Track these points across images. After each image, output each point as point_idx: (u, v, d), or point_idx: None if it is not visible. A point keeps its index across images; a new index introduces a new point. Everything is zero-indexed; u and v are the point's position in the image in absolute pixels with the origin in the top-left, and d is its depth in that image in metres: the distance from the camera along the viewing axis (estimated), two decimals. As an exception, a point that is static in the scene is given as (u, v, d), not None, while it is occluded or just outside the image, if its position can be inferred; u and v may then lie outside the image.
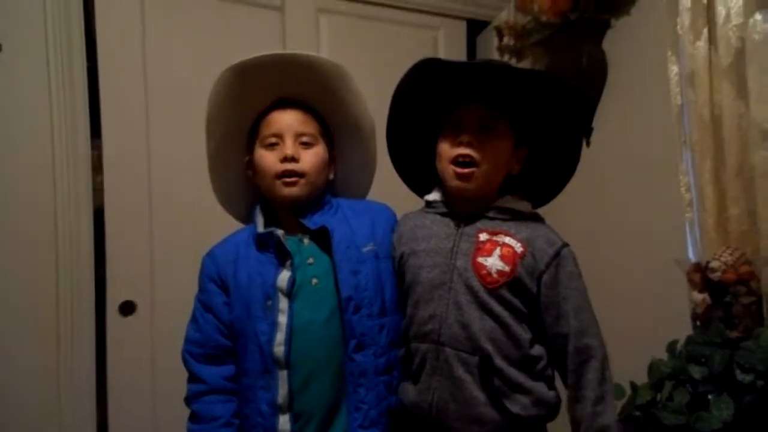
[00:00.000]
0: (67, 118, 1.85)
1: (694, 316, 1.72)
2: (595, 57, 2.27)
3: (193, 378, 1.27)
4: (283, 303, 1.21)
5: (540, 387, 1.10)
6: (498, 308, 1.09)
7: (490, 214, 1.17)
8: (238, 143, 1.33)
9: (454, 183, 1.15)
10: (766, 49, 1.72)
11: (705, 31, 1.84)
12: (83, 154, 1.88)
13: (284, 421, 1.19)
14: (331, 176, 1.32)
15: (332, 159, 1.33)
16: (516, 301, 1.10)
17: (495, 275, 1.10)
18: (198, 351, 1.27)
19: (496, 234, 1.14)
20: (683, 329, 1.86)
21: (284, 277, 1.22)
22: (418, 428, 1.16)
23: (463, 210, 1.19)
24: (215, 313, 1.26)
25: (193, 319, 1.29)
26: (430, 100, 1.21)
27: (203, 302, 1.28)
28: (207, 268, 1.30)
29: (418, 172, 1.31)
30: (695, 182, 1.89)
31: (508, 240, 1.12)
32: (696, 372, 1.62)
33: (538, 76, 1.11)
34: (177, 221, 1.98)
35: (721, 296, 1.66)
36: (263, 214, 1.31)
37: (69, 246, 1.83)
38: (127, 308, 1.92)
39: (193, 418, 1.25)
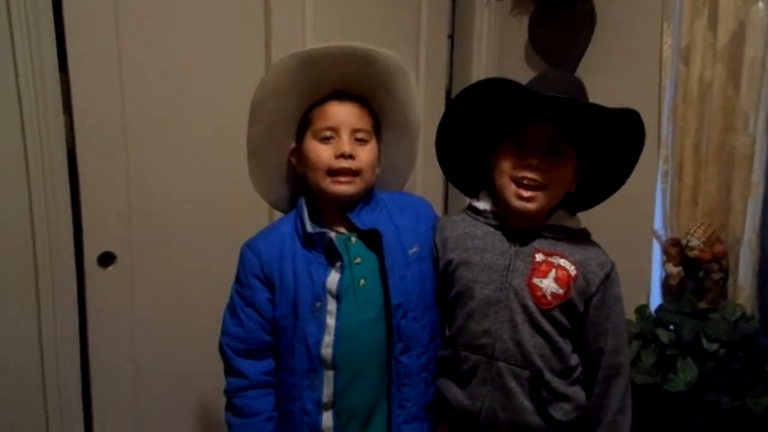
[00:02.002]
0: (32, 49, 1.61)
1: (668, 287, 1.88)
2: (584, 10, 2.24)
3: (233, 372, 1.26)
4: (332, 305, 1.21)
5: (578, 393, 1.19)
6: (548, 327, 1.14)
7: (545, 233, 1.19)
8: (285, 131, 1.26)
9: (517, 204, 1.15)
10: (764, 38, 1.77)
11: (706, 10, 1.86)
12: (51, 86, 1.67)
13: (327, 417, 1.23)
14: (378, 171, 1.28)
15: (379, 153, 1.28)
16: (564, 320, 1.15)
17: (549, 297, 1.14)
18: (239, 346, 1.25)
19: (551, 255, 1.16)
20: (645, 295, 2.05)
21: (334, 279, 1.21)
22: (461, 423, 1.23)
23: (518, 226, 1.20)
24: (258, 309, 1.24)
25: (233, 313, 1.26)
26: (495, 110, 1.18)
27: (245, 297, 1.25)
28: (249, 263, 1.25)
29: (462, 170, 1.30)
30: (674, 155, 1.99)
31: (563, 262, 1.15)
32: (664, 336, 1.81)
33: (622, 114, 1.09)
34: (154, 167, 1.85)
35: (695, 271, 1.83)
36: (306, 206, 1.26)
37: (43, 190, 1.67)
38: (106, 259, 1.81)
39: (235, 411, 1.26)
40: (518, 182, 1.15)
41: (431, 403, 1.28)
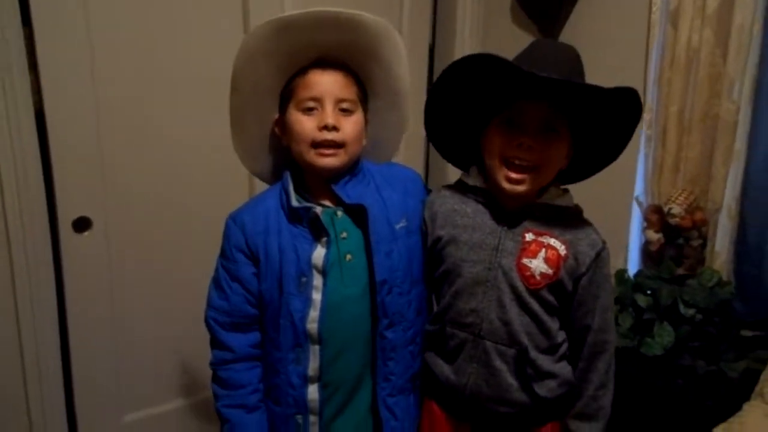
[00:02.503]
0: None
1: (647, 252, 1.90)
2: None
3: (219, 345, 1.25)
4: (318, 280, 1.19)
5: (564, 369, 1.19)
6: (536, 306, 1.14)
7: (536, 212, 1.17)
8: (267, 101, 1.21)
9: (507, 186, 1.13)
10: (753, 4, 1.75)
11: (698, -28, 1.82)
12: (14, 41, 1.58)
13: (313, 390, 1.22)
14: (365, 142, 1.24)
15: (366, 124, 1.24)
16: (552, 299, 1.14)
17: (538, 277, 1.13)
18: (225, 319, 1.23)
19: (541, 234, 1.15)
20: (623, 259, 2.06)
21: (319, 254, 1.19)
22: (447, 397, 1.24)
23: (508, 204, 1.17)
24: (243, 283, 1.22)
25: (218, 286, 1.24)
26: (486, 85, 1.14)
27: (230, 271, 1.23)
28: (234, 236, 1.22)
29: (452, 143, 1.27)
30: (657, 120, 1.98)
31: (552, 242, 1.14)
32: (642, 300, 1.84)
33: (621, 93, 1.05)
34: (127, 127, 1.79)
35: (675, 237, 1.85)
36: (292, 179, 1.23)
37: (11, 153, 1.61)
38: (82, 224, 1.76)
39: (221, 383, 1.25)
40: (509, 162, 1.12)
41: (417, 375, 1.28)
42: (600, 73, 2.10)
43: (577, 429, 1.19)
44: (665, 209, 1.82)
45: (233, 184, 2.00)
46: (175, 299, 1.95)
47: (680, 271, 1.84)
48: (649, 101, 2.01)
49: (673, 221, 1.81)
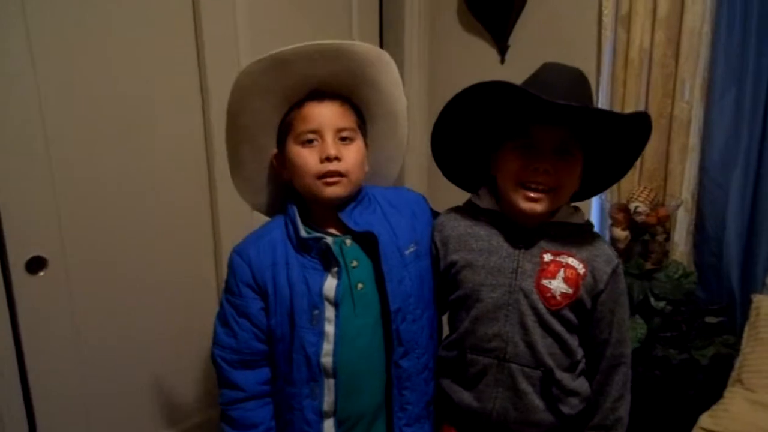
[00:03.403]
0: None
1: (615, 250, 1.95)
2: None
3: (228, 384, 1.20)
4: (330, 312, 1.15)
5: (583, 385, 1.20)
6: (558, 326, 1.14)
7: (552, 231, 1.17)
8: (264, 136, 1.18)
9: (525, 206, 1.12)
10: (702, 7, 1.84)
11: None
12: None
13: (329, 425, 1.19)
14: (367, 168, 1.21)
15: (366, 149, 1.21)
16: (572, 317, 1.15)
17: (559, 297, 1.13)
18: (233, 357, 1.19)
19: (559, 254, 1.15)
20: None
21: (331, 285, 1.15)
22: (470, 423, 1.22)
23: (522, 225, 1.17)
24: (252, 319, 1.18)
25: (224, 323, 1.20)
26: (497, 110, 1.13)
27: (237, 307, 1.18)
28: (240, 272, 1.18)
29: (459, 165, 1.26)
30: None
31: (571, 261, 1.14)
32: (613, 297, 1.88)
33: (635, 118, 1.08)
34: (78, 156, 1.65)
35: (640, 234, 1.92)
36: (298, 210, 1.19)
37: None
38: (36, 264, 1.61)
39: (232, 423, 1.20)
40: (525, 186, 1.12)
41: (431, 401, 1.26)
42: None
43: None
44: (631, 208, 1.89)
45: (197, 212, 1.93)
46: (140, 337, 1.84)
47: (648, 265, 1.91)
48: (603, 102, 2.07)
49: (639, 219, 1.88)
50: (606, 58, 2.06)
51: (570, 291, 1.13)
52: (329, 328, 1.15)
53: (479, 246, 1.18)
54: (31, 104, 1.54)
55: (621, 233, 1.92)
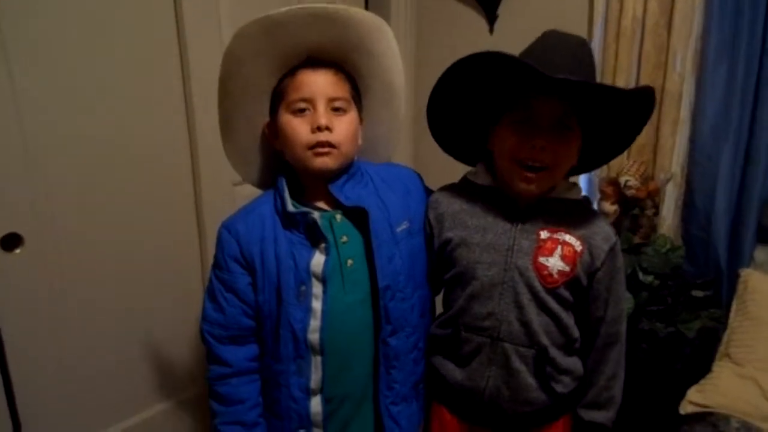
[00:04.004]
0: None
1: (604, 224, 1.94)
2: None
3: (215, 359, 1.18)
4: (318, 288, 1.12)
5: (577, 364, 1.19)
6: (554, 304, 1.12)
7: (549, 207, 1.14)
8: (257, 104, 1.14)
9: (520, 186, 1.09)
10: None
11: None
12: None
13: (316, 403, 1.17)
14: (360, 141, 1.17)
15: (360, 122, 1.17)
16: (568, 295, 1.12)
17: (556, 275, 1.10)
18: (221, 332, 1.16)
19: (556, 231, 1.12)
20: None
21: (319, 261, 1.12)
22: (461, 402, 1.20)
23: (520, 201, 1.14)
24: (240, 295, 1.15)
25: (212, 298, 1.17)
26: (494, 81, 1.09)
27: (224, 282, 1.15)
28: (228, 246, 1.15)
29: (456, 138, 1.22)
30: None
31: (568, 238, 1.11)
32: (601, 271, 1.88)
33: (639, 93, 1.04)
34: (52, 128, 1.58)
35: (630, 208, 1.90)
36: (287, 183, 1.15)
37: None
38: (11, 241, 1.55)
39: (218, 399, 1.18)
40: (522, 163, 1.08)
41: (419, 381, 1.25)
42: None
43: (590, 418, 1.20)
44: (621, 182, 1.87)
45: (177, 185, 1.87)
46: (123, 314, 1.80)
47: (636, 239, 1.91)
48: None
49: (629, 193, 1.86)
50: (598, 28, 2.02)
51: (567, 269, 1.11)
52: (316, 305, 1.12)
53: (474, 223, 1.15)
54: (3, 83, 1.47)
55: (610, 207, 1.91)
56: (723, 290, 1.91)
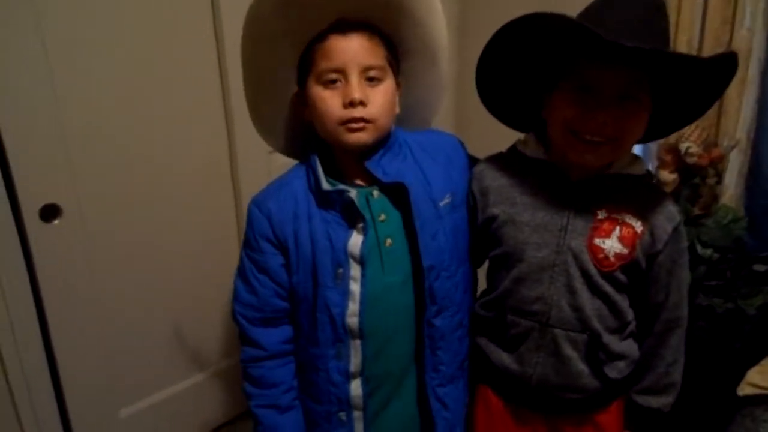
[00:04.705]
0: None
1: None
2: None
3: (249, 341, 1.14)
4: (356, 270, 1.06)
5: (632, 347, 1.11)
6: (608, 288, 1.03)
7: (607, 183, 1.04)
8: (283, 74, 1.05)
9: (578, 158, 0.99)
10: None
11: None
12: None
13: (356, 386, 1.13)
14: (398, 110, 1.08)
15: (398, 88, 1.08)
16: (624, 278, 1.04)
17: (612, 258, 1.01)
18: (254, 314, 1.12)
19: (615, 211, 1.02)
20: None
21: (356, 241, 1.06)
22: (508, 386, 1.14)
23: (575, 176, 1.04)
24: (272, 275, 1.10)
25: (244, 279, 1.12)
26: (552, 44, 0.98)
27: (257, 262, 1.10)
28: (259, 224, 1.09)
29: (506, 103, 1.13)
30: (664, 50, 1.87)
31: (627, 218, 1.02)
32: (657, 244, 1.77)
33: (720, 61, 0.91)
34: (89, 101, 1.55)
35: (690, 177, 1.78)
36: (320, 158, 1.08)
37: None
38: (50, 212, 1.55)
39: (253, 381, 1.15)
40: (580, 136, 0.97)
41: (465, 360, 1.19)
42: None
43: (647, 404, 1.12)
44: (681, 148, 1.74)
45: (214, 155, 1.84)
46: (160, 284, 1.79)
47: (695, 210, 1.78)
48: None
49: (691, 160, 1.73)
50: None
51: (625, 251, 1.02)
52: (354, 287, 1.06)
53: (524, 200, 1.07)
54: (38, 52, 1.43)
55: (669, 176, 1.78)
56: (789, 264, 1.77)
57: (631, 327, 1.11)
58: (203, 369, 1.99)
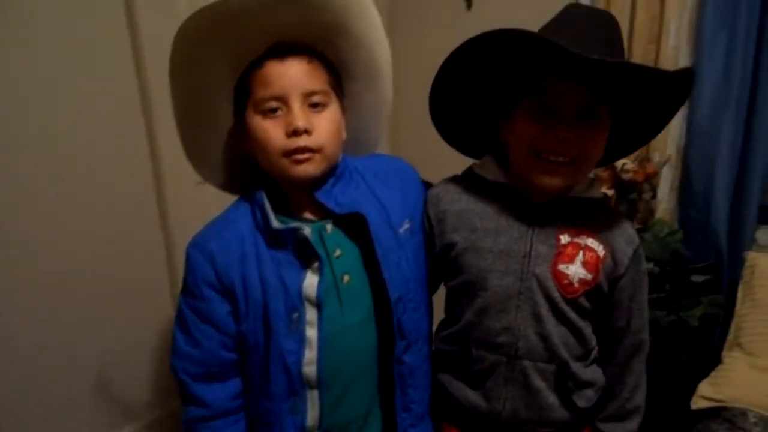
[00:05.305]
0: None
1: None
2: None
3: (192, 400, 1.01)
4: (312, 313, 0.97)
5: (597, 374, 1.07)
6: (572, 315, 1.00)
7: (567, 207, 1.00)
8: (217, 105, 0.96)
9: (539, 181, 0.94)
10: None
11: None
12: None
13: None
14: (344, 135, 1.00)
15: (343, 112, 1.00)
16: (587, 304, 1.01)
17: (576, 284, 0.98)
18: (197, 369, 1.00)
19: (577, 235, 0.99)
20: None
21: (311, 282, 0.96)
22: (475, 424, 1.07)
23: (536, 199, 1.00)
24: (217, 325, 0.98)
25: (185, 330, 1.00)
26: (508, 62, 0.94)
27: (199, 311, 0.98)
28: (201, 269, 0.97)
29: (459, 127, 1.08)
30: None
31: (590, 242, 0.98)
32: (599, 259, 1.77)
33: (679, 76, 0.90)
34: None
35: (627, 192, 1.79)
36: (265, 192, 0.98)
37: None
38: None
39: None
40: (541, 157, 0.93)
41: (431, 395, 1.11)
42: (523, 25, 1.98)
43: (612, 430, 1.08)
44: (617, 165, 1.75)
45: (138, 185, 1.66)
46: (83, 329, 1.60)
47: (634, 225, 1.80)
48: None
49: (626, 177, 1.75)
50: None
51: (589, 277, 0.98)
52: (311, 333, 0.97)
53: (485, 225, 1.01)
54: None
55: (606, 192, 1.79)
56: (724, 274, 1.82)
57: (595, 353, 1.07)
58: (138, 419, 1.80)
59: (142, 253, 1.69)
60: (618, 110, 0.96)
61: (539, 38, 0.86)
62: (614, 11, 1.78)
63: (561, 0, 1.88)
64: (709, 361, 1.61)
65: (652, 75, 0.91)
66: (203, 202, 1.42)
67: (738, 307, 1.62)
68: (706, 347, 1.77)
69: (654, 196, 1.83)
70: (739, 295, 1.64)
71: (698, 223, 1.85)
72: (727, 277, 1.82)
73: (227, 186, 1.06)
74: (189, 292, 0.99)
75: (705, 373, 1.57)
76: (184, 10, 1.08)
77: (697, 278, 1.81)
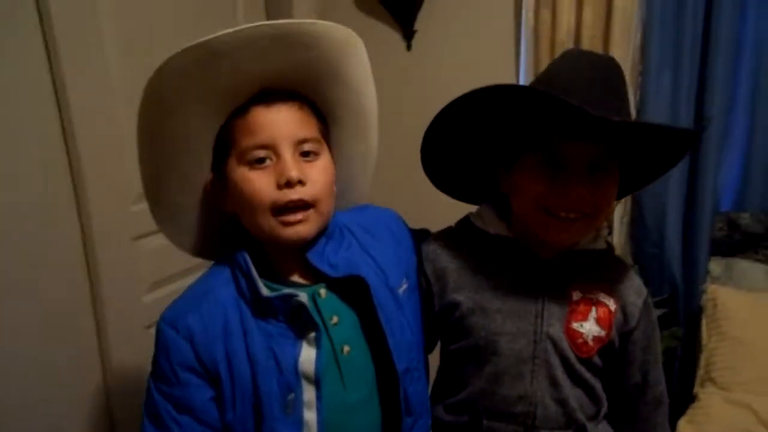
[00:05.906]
0: None
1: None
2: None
3: None
4: (309, 392, 0.84)
5: (607, 431, 1.00)
6: (587, 375, 0.93)
7: (576, 261, 0.94)
8: (194, 158, 0.84)
9: (551, 238, 0.89)
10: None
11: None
12: None
13: None
14: (335, 189, 0.90)
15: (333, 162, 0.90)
16: (599, 362, 0.94)
17: (591, 343, 0.91)
18: None
19: (589, 290, 0.92)
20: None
21: (308, 356, 0.84)
22: None
23: (543, 254, 0.93)
24: (197, 415, 0.83)
25: (157, 423, 0.83)
26: (513, 117, 0.88)
27: (175, 400, 0.83)
28: (176, 350, 0.82)
29: (454, 175, 1.00)
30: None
31: (602, 297, 0.92)
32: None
33: (686, 133, 0.89)
34: None
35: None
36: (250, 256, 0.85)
37: None
38: None
39: None
40: (552, 213, 0.87)
41: None
42: (464, 66, 1.97)
43: None
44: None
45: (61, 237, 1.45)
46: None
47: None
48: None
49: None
50: (523, 42, 1.90)
51: (603, 333, 0.92)
52: (309, 415, 0.83)
53: (492, 284, 0.93)
54: None
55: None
56: (680, 306, 1.84)
57: (604, 410, 1.00)
58: None
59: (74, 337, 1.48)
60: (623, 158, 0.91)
61: (557, 99, 0.78)
62: (559, 51, 1.80)
63: (498, 45, 1.95)
64: (684, 398, 1.59)
65: (676, 134, 0.87)
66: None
67: (705, 341, 1.62)
68: (668, 380, 1.75)
69: (610, 233, 1.83)
70: (703, 329, 1.65)
71: (652, 257, 1.87)
72: (683, 310, 1.83)
73: (202, 251, 0.92)
74: (162, 377, 0.83)
75: (681, 411, 1.54)
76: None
77: (656, 312, 1.81)
